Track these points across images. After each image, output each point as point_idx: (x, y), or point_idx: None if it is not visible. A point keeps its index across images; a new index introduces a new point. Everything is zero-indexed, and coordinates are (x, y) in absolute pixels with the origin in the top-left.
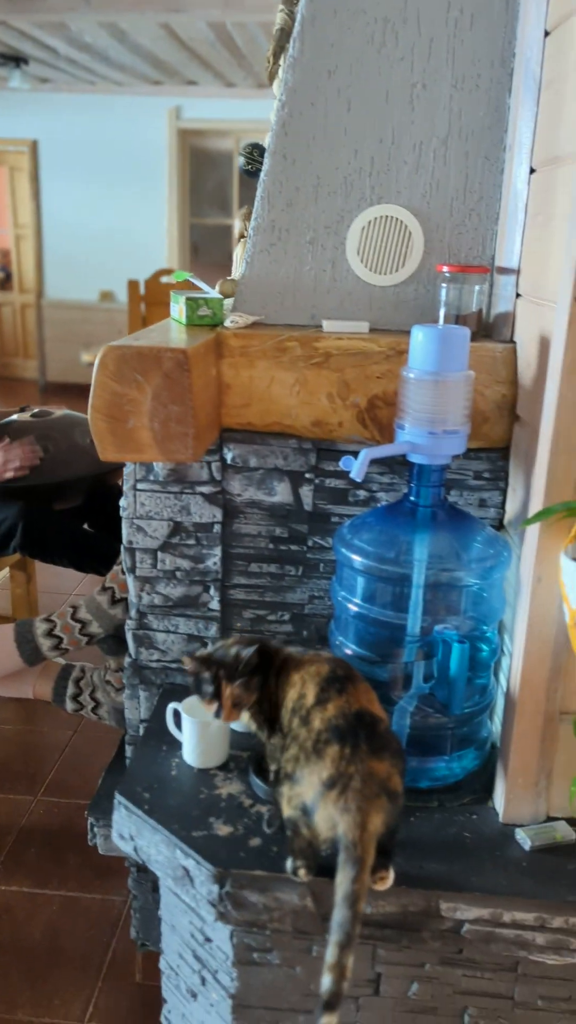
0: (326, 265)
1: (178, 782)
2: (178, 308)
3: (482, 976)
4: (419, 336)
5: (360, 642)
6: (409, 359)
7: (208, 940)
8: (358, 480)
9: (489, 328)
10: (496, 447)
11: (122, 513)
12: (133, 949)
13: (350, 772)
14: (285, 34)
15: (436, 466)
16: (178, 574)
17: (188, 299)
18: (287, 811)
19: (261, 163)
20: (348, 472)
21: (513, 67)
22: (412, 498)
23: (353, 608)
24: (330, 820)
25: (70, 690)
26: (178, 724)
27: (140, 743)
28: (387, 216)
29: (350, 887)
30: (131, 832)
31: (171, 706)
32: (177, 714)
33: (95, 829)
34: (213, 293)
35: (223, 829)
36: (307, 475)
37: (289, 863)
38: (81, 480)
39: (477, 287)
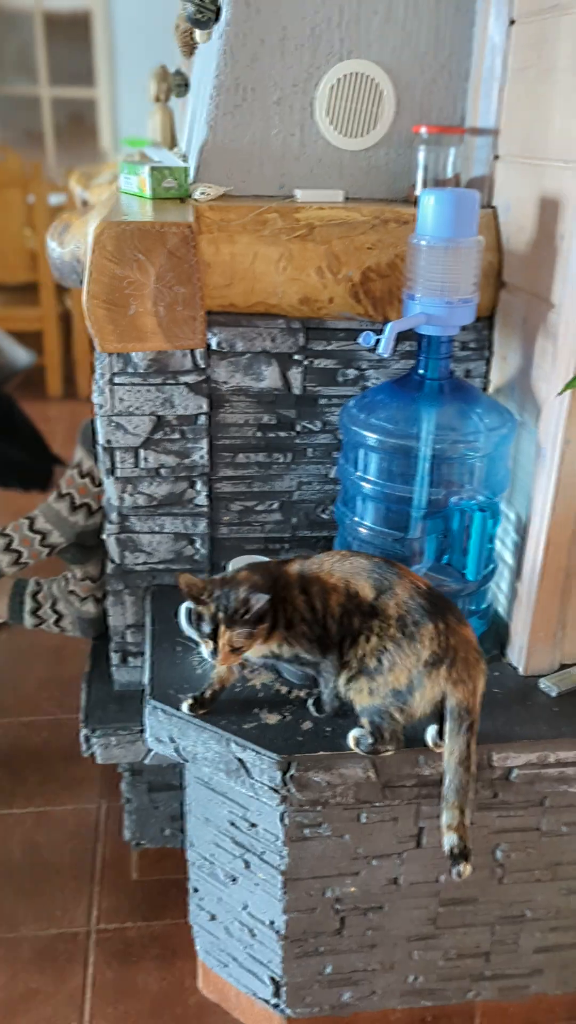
0: (294, 129)
1: (207, 679)
2: (137, 180)
3: (513, 815)
4: (431, 200)
5: (377, 519)
6: (418, 226)
7: (253, 825)
8: (386, 356)
9: None
10: (481, 316)
11: (99, 411)
12: (123, 850)
13: (452, 645)
14: None
15: (446, 337)
16: (162, 471)
17: (153, 169)
18: (371, 702)
19: (212, 11)
20: (367, 348)
21: None
22: (421, 371)
23: (367, 486)
24: (435, 695)
25: (28, 605)
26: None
27: (153, 647)
28: (357, 73)
29: (466, 751)
30: (172, 734)
31: (186, 606)
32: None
33: (92, 740)
34: (173, 160)
35: (271, 718)
36: (296, 356)
37: (383, 747)
38: None
39: (453, 149)
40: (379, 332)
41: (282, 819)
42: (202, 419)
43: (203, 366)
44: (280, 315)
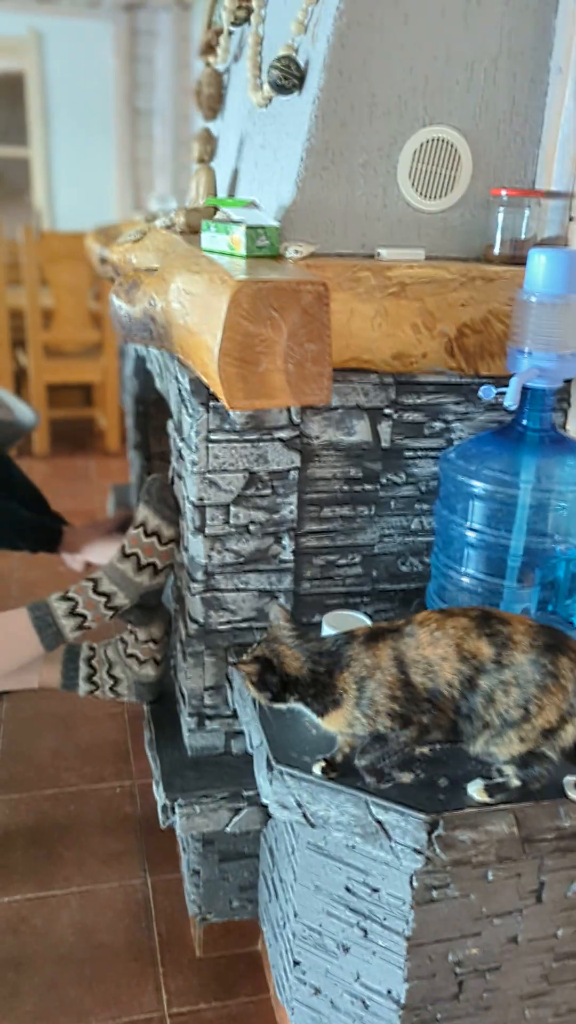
0: (377, 190)
1: (326, 741)
2: (229, 239)
3: None
4: (542, 259)
5: (480, 567)
6: (527, 283)
7: (375, 891)
8: (513, 408)
9: None
10: None
11: (190, 468)
12: (180, 926)
13: None
14: None
15: (550, 389)
16: (251, 527)
17: (249, 228)
18: (521, 748)
19: (297, 78)
20: (486, 400)
21: None
22: (524, 422)
23: (472, 535)
24: None
25: (83, 671)
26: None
27: (260, 709)
28: (439, 138)
29: None
30: (300, 799)
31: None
32: None
33: (173, 811)
34: (267, 220)
35: (404, 777)
36: (386, 410)
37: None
38: None
39: (528, 211)
40: (476, 386)
41: (411, 882)
42: (293, 474)
43: (297, 422)
44: (372, 370)
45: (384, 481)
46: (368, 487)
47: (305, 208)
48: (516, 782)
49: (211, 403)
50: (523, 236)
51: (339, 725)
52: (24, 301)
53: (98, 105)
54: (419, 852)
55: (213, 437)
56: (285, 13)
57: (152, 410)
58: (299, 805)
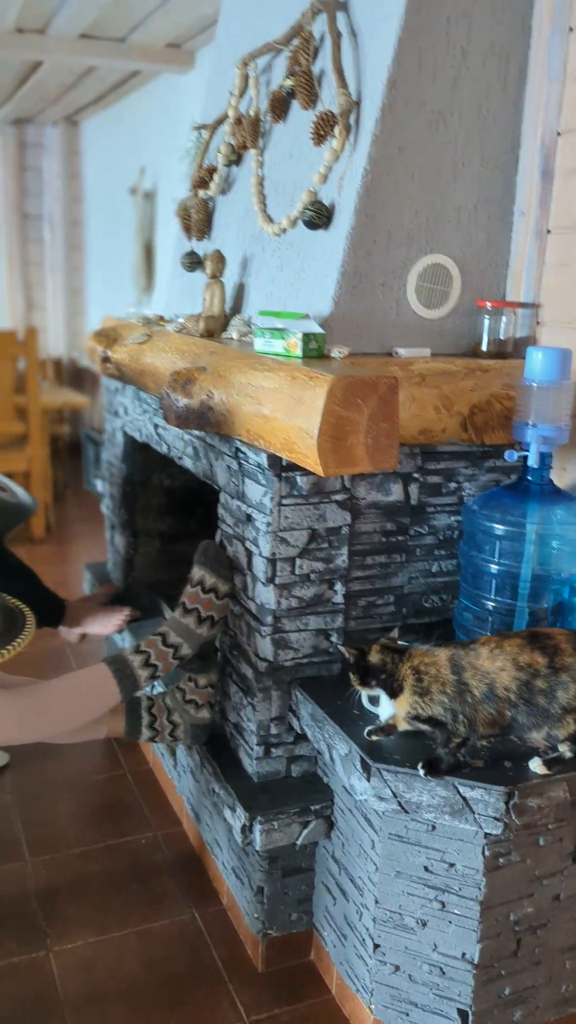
0: (392, 303)
1: (404, 740)
2: (284, 343)
3: None
4: (539, 356)
5: (500, 593)
6: (527, 372)
7: (451, 865)
8: (535, 466)
9: (514, 349)
10: None
11: (263, 528)
12: (237, 948)
13: None
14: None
15: (549, 453)
16: (311, 576)
17: (305, 335)
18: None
19: (327, 217)
20: (510, 461)
21: (519, 155)
22: (529, 478)
23: (494, 567)
24: None
25: (145, 719)
26: (371, 701)
27: (341, 724)
28: (437, 263)
29: None
30: (397, 790)
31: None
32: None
33: (253, 829)
34: (316, 328)
35: (476, 763)
36: (415, 475)
37: None
38: None
39: (505, 318)
40: (480, 454)
41: (483, 852)
42: (345, 529)
43: (348, 486)
44: (404, 443)
45: (412, 533)
46: (400, 538)
47: (340, 318)
48: (569, 754)
49: (283, 474)
50: (502, 336)
51: (403, 707)
52: None
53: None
54: (498, 820)
55: (284, 501)
56: (276, 160)
57: (138, 490)
58: (395, 795)
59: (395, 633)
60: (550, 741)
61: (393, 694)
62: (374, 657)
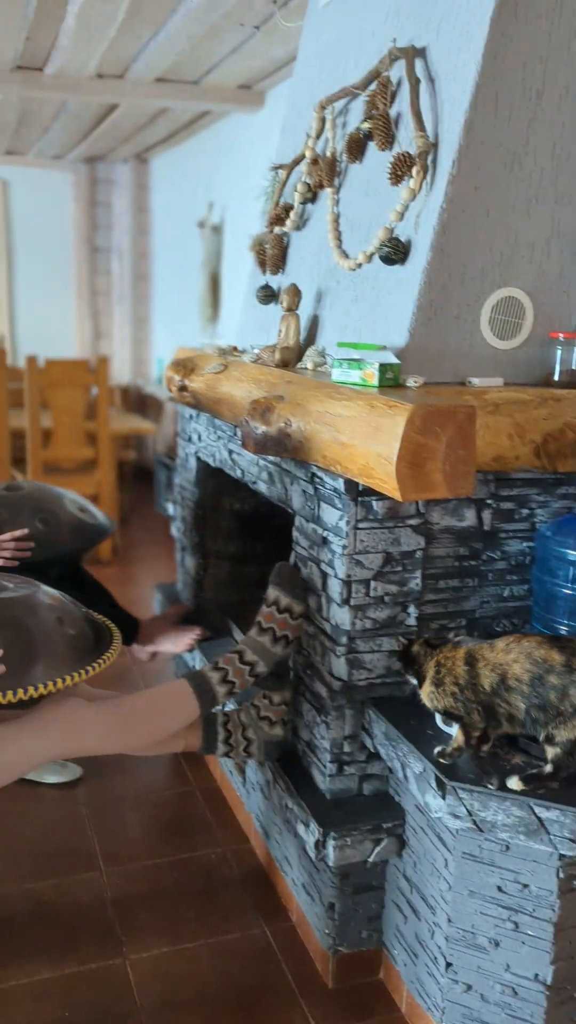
0: (466, 335)
1: (475, 760)
2: (362, 373)
3: None
4: None
5: (574, 617)
6: None
7: (525, 886)
8: None
9: None
10: None
11: (339, 551)
12: (306, 964)
13: None
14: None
15: None
16: (385, 598)
17: (382, 365)
18: None
19: (404, 253)
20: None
21: None
22: None
23: (568, 591)
24: None
25: (220, 735)
26: (444, 721)
27: (415, 743)
28: (510, 296)
29: None
30: (473, 808)
31: None
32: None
33: (327, 844)
34: (392, 359)
35: (551, 784)
36: (488, 501)
37: None
38: (66, 554)
39: None
40: (552, 480)
41: (558, 873)
42: (419, 553)
43: (423, 511)
44: (478, 470)
45: (484, 558)
46: (472, 563)
47: (415, 349)
48: (549, 769)
49: (359, 498)
50: (574, 366)
51: (425, 695)
52: (25, 422)
53: (59, 243)
54: (574, 841)
55: (360, 525)
56: (351, 198)
57: (209, 513)
58: (469, 813)
59: (459, 633)
60: (549, 744)
61: (420, 684)
62: (415, 649)
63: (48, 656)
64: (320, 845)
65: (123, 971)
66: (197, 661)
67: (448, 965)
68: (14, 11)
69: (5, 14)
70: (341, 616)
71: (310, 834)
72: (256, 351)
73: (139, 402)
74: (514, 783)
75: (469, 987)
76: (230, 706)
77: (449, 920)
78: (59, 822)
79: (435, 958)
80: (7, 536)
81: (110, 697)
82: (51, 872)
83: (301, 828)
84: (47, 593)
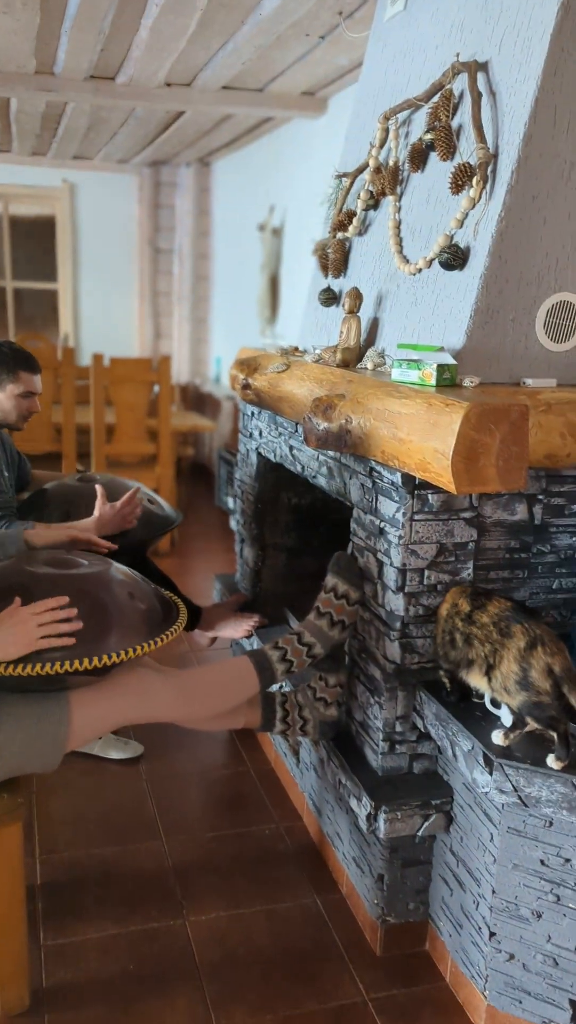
0: (521, 337)
1: (522, 738)
2: (420, 374)
3: None
4: None
5: None
6: None
7: (567, 861)
8: None
9: None
10: None
11: (395, 541)
12: (356, 933)
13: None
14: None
15: None
16: (438, 587)
17: (439, 366)
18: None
19: (463, 259)
20: None
21: None
22: None
23: None
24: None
25: (279, 713)
26: (493, 704)
27: (464, 723)
28: (564, 300)
29: None
30: (518, 784)
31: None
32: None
33: (379, 818)
34: (449, 360)
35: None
36: (539, 496)
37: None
38: (135, 543)
39: None
40: None
41: None
42: (471, 545)
43: (476, 505)
44: (530, 467)
45: (534, 551)
46: (523, 555)
47: (471, 350)
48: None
49: (415, 491)
50: None
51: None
52: (90, 418)
53: (122, 244)
54: None
55: (416, 517)
56: (412, 206)
57: (268, 507)
58: (515, 789)
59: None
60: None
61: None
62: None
63: (121, 627)
64: (372, 818)
65: (183, 931)
66: (255, 647)
67: (492, 935)
68: (91, 25)
69: (83, 29)
70: (396, 603)
71: (362, 808)
72: (318, 351)
73: (197, 400)
74: (498, 737)
75: (511, 956)
76: (287, 687)
77: (493, 892)
78: (123, 795)
79: (479, 928)
80: (125, 497)
81: (172, 672)
82: (117, 840)
83: (354, 802)
84: (120, 570)
